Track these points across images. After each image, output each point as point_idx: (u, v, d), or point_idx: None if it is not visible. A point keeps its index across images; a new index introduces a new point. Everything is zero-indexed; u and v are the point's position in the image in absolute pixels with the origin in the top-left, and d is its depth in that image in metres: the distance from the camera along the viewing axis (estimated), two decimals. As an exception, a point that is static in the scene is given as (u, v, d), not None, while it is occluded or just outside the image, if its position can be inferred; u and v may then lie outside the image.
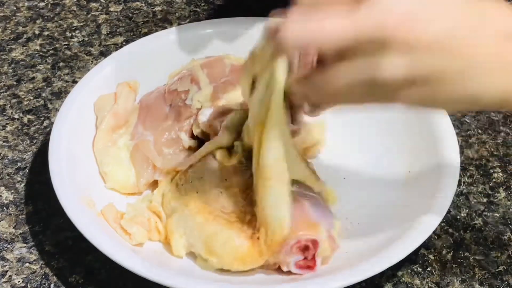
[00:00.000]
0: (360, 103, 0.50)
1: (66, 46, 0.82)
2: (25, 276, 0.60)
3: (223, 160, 0.62)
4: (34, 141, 0.71)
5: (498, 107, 0.54)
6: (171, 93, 0.70)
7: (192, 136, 0.67)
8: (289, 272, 0.57)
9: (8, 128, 0.73)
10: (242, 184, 0.60)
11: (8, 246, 0.62)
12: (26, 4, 0.88)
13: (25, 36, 0.84)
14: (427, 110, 0.55)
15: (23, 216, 0.65)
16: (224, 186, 0.60)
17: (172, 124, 0.67)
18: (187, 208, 0.59)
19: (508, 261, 0.62)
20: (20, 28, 0.85)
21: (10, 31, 0.84)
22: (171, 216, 0.60)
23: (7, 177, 0.68)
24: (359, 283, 0.56)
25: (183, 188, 0.61)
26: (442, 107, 0.51)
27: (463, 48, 0.46)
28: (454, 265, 0.62)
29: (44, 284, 0.60)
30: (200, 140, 0.66)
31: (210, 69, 0.71)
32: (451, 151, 0.63)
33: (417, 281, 0.60)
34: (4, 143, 0.71)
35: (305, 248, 0.56)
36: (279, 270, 0.58)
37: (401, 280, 0.60)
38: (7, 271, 0.60)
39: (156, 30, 0.84)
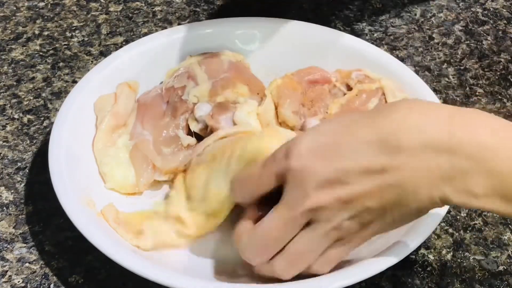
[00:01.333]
0: (339, 256, 0.54)
1: (66, 46, 0.82)
2: (25, 276, 0.60)
3: None
4: (34, 141, 0.71)
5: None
6: (168, 90, 0.70)
7: (189, 132, 0.67)
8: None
9: (8, 128, 0.73)
10: None
11: (8, 246, 0.62)
12: (26, 4, 0.88)
13: (25, 36, 0.84)
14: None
15: (23, 216, 0.65)
16: None
17: (169, 121, 0.68)
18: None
19: (508, 261, 0.62)
20: (20, 28, 0.85)
21: (10, 31, 0.84)
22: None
23: (7, 177, 0.68)
24: (359, 283, 0.56)
25: (196, 178, 0.61)
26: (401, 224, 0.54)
27: (388, 180, 0.49)
28: (454, 265, 0.62)
29: (44, 284, 0.60)
30: (198, 136, 0.66)
31: (208, 66, 0.71)
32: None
33: (417, 281, 0.60)
34: (4, 143, 0.71)
35: None
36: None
37: (401, 280, 0.60)
38: (7, 271, 0.60)
39: (156, 30, 0.84)
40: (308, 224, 0.51)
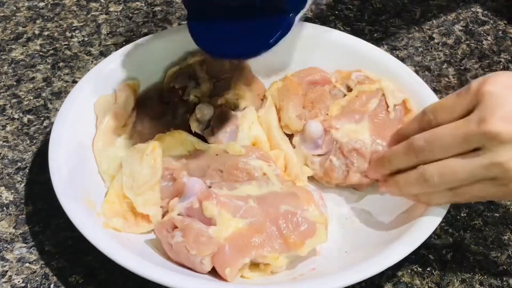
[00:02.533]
0: (482, 197, 0.56)
1: (66, 46, 0.82)
2: (25, 276, 0.60)
3: None
4: (34, 141, 0.71)
5: None
6: (169, 90, 0.70)
7: (190, 132, 0.67)
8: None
9: (8, 128, 0.73)
10: None
11: (8, 246, 0.62)
12: (26, 4, 0.88)
13: (25, 36, 0.84)
14: None
15: (23, 216, 0.65)
16: None
17: (170, 121, 0.67)
18: None
19: (508, 261, 0.62)
20: (20, 28, 0.85)
21: (10, 31, 0.84)
22: None
23: (7, 177, 0.68)
24: (359, 283, 0.56)
25: None
26: None
27: None
28: (454, 265, 0.62)
29: (44, 284, 0.60)
30: (198, 136, 0.66)
31: (209, 66, 0.71)
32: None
33: (417, 281, 0.60)
34: (4, 143, 0.71)
35: None
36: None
37: (401, 280, 0.60)
38: (7, 271, 0.60)
39: (156, 30, 0.84)
40: (474, 151, 0.53)
